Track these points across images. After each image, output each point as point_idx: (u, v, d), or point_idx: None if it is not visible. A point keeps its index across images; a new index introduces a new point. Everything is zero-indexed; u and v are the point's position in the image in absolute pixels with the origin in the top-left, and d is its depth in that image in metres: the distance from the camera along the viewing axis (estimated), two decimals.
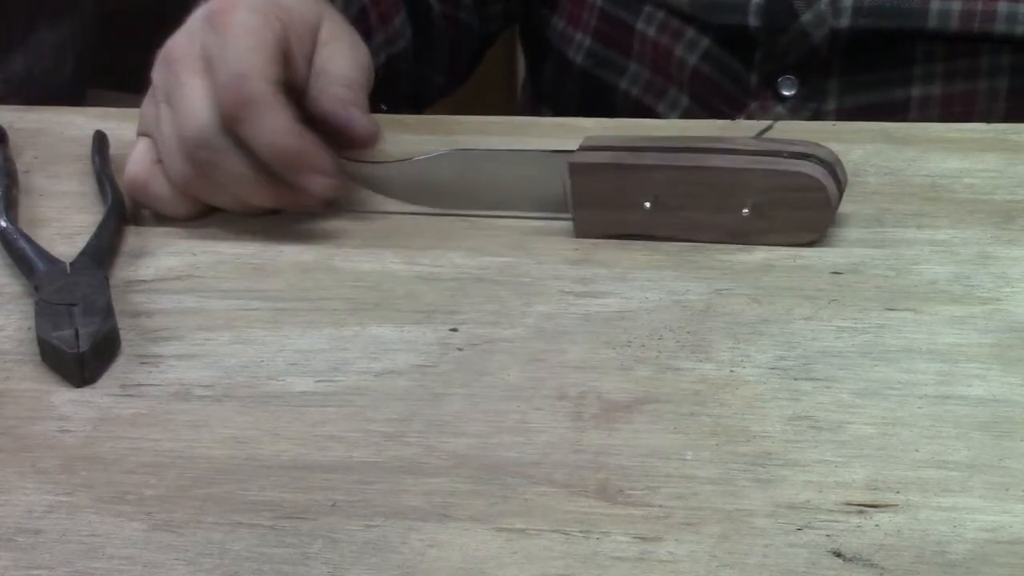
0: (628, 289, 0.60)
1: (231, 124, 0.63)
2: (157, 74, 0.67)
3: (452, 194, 0.67)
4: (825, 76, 0.80)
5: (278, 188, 0.65)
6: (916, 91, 0.79)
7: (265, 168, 0.64)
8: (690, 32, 0.82)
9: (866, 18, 0.77)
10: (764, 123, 0.72)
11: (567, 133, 0.72)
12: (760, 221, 0.62)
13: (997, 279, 0.59)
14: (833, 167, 0.62)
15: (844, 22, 0.77)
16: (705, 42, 0.82)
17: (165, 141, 0.66)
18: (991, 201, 0.65)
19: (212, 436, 0.53)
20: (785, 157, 0.62)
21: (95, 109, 0.82)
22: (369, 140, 0.67)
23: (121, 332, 0.59)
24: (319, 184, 0.64)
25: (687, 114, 0.84)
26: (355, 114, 0.66)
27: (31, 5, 1.03)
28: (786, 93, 0.81)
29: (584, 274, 0.62)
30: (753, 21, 0.79)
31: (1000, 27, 0.76)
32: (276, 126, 0.63)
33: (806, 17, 0.78)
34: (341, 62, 0.68)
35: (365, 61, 0.70)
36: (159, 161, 0.67)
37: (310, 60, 0.67)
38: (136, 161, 0.67)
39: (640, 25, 0.84)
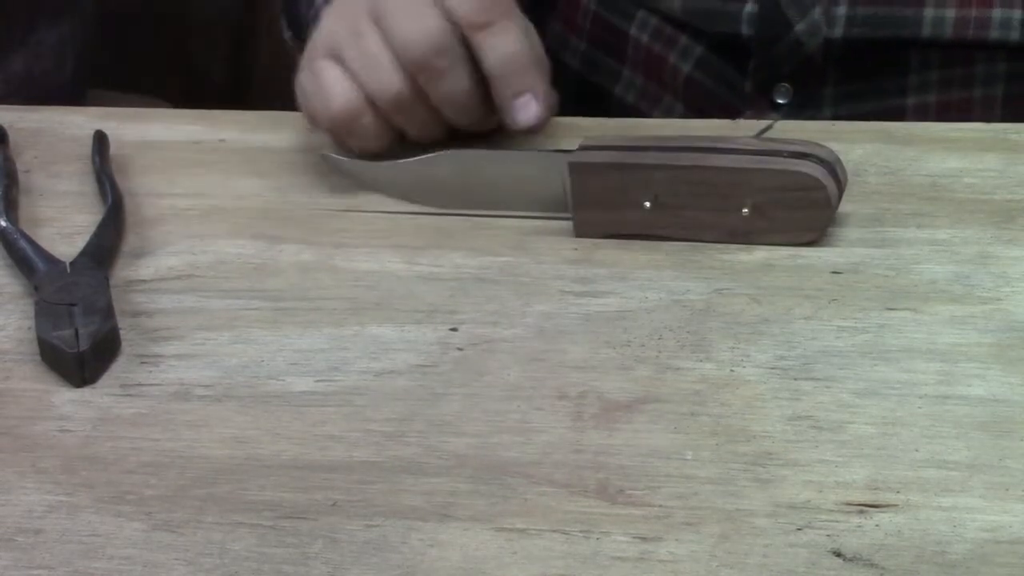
0: (628, 289, 0.60)
1: (477, 28, 0.64)
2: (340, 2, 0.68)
3: (451, 194, 0.67)
4: (820, 85, 0.79)
5: (489, 110, 0.66)
6: (912, 99, 0.79)
7: (483, 87, 0.65)
8: (684, 39, 0.82)
9: (860, 27, 0.77)
10: (764, 123, 0.72)
11: (567, 133, 0.72)
12: (760, 220, 0.62)
13: (997, 279, 0.59)
14: (833, 166, 0.62)
15: (838, 31, 0.77)
16: (699, 50, 0.82)
17: (374, 59, 0.65)
18: (991, 201, 0.65)
19: (212, 436, 0.53)
20: (785, 156, 0.62)
21: (95, 109, 0.82)
22: (532, 120, 0.67)
23: (121, 332, 0.59)
24: (531, 111, 0.66)
25: (685, 120, 0.84)
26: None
27: (31, 5, 1.03)
28: (781, 101, 0.80)
29: (584, 274, 0.62)
30: (746, 30, 0.79)
31: (995, 33, 0.76)
32: (513, 37, 0.65)
33: (800, 27, 0.77)
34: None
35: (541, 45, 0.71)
36: (370, 103, 0.66)
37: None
38: (341, 92, 0.66)
39: (634, 31, 0.84)
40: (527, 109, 0.66)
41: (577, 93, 0.89)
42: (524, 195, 0.66)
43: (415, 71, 0.65)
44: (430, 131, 0.68)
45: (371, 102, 0.66)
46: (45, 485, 0.51)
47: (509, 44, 0.65)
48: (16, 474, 0.52)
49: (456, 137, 0.69)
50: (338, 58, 0.67)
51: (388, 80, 0.65)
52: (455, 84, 0.66)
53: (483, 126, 0.69)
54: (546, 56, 0.70)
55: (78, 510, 0.50)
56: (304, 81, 0.69)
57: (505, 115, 0.67)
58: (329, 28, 0.68)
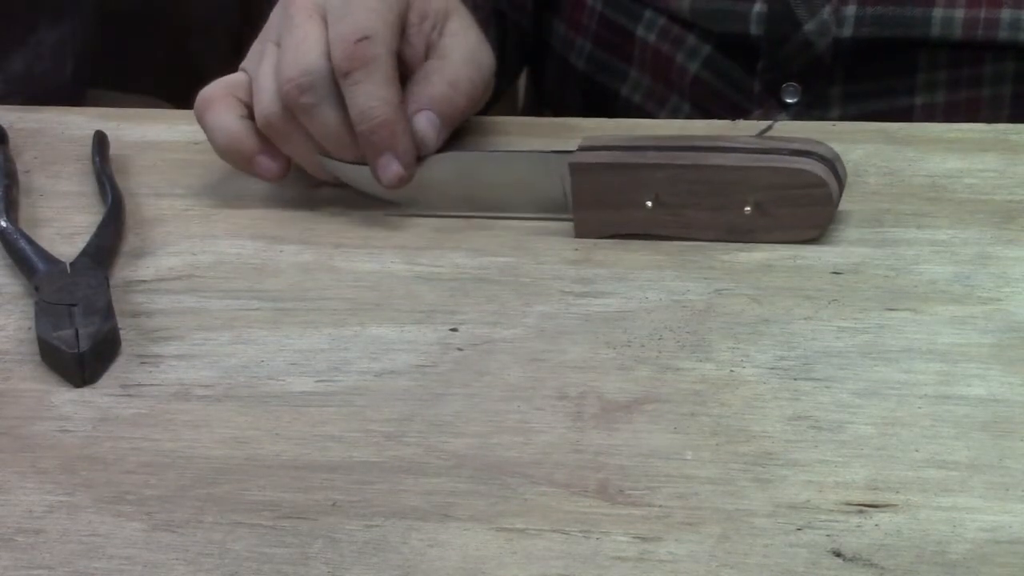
0: (628, 289, 0.60)
1: (340, 76, 0.63)
2: (274, 15, 0.68)
3: (449, 196, 0.67)
4: (828, 84, 0.79)
5: (355, 153, 0.65)
6: (920, 99, 0.79)
7: (352, 130, 0.64)
8: (691, 39, 0.82)
9: (869, 27, 0.77)
10: (763, 123, 0.72)
11: (567, 133, 0.72)
12: (762, 218, 0.62)
13: (997, 279, 0.59)
14: (833, 163, 0.62)
15: (847, 31, 0.77)
16: (706, 50, 0.82)
17: (262, 78, 0.66)
18: (991, 201, 0.65)
19: (212, 436, 0.53)
20: (786, 154, 0.62)
21: (95, 109, 0.82)
22: (393, 181, 0.66)
23: (121, 332, 0.59)
24: (391, 171, 0.65)
25: (688, 120, 0.84)
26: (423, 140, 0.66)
27: (31, 5, 1.03)
28: (789, 101, 0.80)
29: (584, 274, 0.62)
30: (755, 30, 0.79)
31: (1004, 34, 0.76)
32: (380, 93, 0.63)
33: (809, 26, 0.77)
34: (456, 57, 0.68)
35: (486, 62, 0.70)
36: (244, 99, 0.67)
37: (428, 45, 0.68)
38: (214, 84, 0.68)
39: (640, 31, 0.84)
40: (385, 170, 0.65)
41: (583, 93, 0.89)
42: (523, 197, 0.66)
43: (286, 104, 0.65)
44: (308, 160, 0.67)
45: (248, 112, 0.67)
46: (45, 485, 0.51)
47: (365, 99, 0.63)
48: (16, 474, 0.52)
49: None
50: (247, 65, 0.68)
51: (263, 105, 0.66)
52: (322, 121, 0.64)
53: (357, 160, 0.67)
54: (479, 80, 0.68)
55: (78, 510, 0.50)
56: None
57: (371, 170, 0.66)
58: (252, 47, 0.69)
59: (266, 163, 0.67)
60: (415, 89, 0.66)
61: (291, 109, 0.65)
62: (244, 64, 0.69)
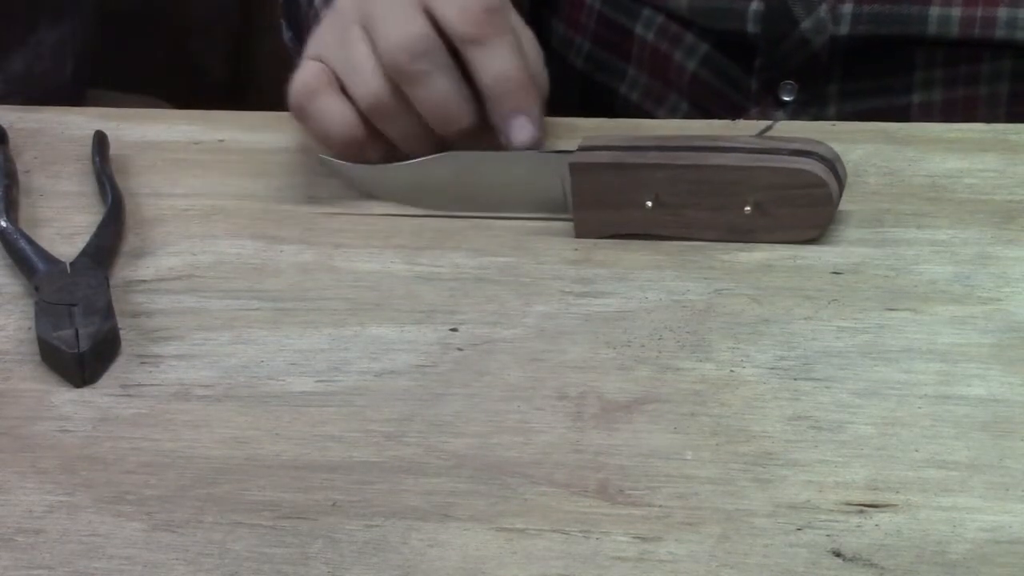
0: (628, 289, 0.60)
1: (469, 42, 0.64)
2: (350, 1, 0.67)
3: (449, 197, 0.67)
4: (825, 82, 0.79)
5: (478, 120, 0.66)
6: (917, 97, 0.79)
7: (466, 94, 0.65)
8: (689, 37, 0.82)
9: (866, 25, 0.77)
10: (763, 123, 0.72)
11: (567, 133, 0.72)
12: (762, 218, 0.62)
13: (997, 279, 0.59)
14: (833, 163, 0.62)
15: (844, 29, 0.77)
16: (704, 47, 0.82)
17: (359, 57, 0.65)
18: (991, 201, 0.65)
19: (212, 436, 0.53)
20: (786, 154, 0.62)
21: (95, 109, 0.82)
22: (528, 142, 0.67)
23: (121, 332, 0.59)
24: (527, 132, 0.66)
25: (687, 119, 0.84)
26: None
27: (31, 5, 1.03)
28: (786, 99, 0.80)
29: (584, 274, 0.62)
30: (752, 28, 0.79)
31: (1000, 32, 0.76)
32: (517, 58, 0.64)
33: (806, 24, 0.77)
34: (528, 49, 0.68)
35: (542, 58, 0.70)
36: (335, 83, 0.66)
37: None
38: (308, 74, 0.66)
39: (639, 30, 0.84)
40: (522, 130, 0.66)
41: (582, 92, 0.89)
42: (522, 197, 0.66)
43: (395, 76, 0.65)
44: (415, 139, 0.68)
45: (353, 102, 0.66)
46: (45, 485, 0.51)
47: (504, 62, 0.65)
48: (16, 474, 0.52)
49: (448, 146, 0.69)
50: (324, 61, 0.67)
51: (369, 85, 0.65)
52: (435, 90, 0.65)
53: (472, 135, 0.68)
54: (545, 71, 0.69)
55: (78, 510, 0.50)
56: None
57: (500, 134, 0.67)
58: (321, 33, 0.68)
59: (375, 147, 0.67)
60: None
61: (401, 80, 0.65)
62: (317, 52, 0.68)
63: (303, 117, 0.67)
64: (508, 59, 0.65)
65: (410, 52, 0.64)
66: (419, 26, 0.64)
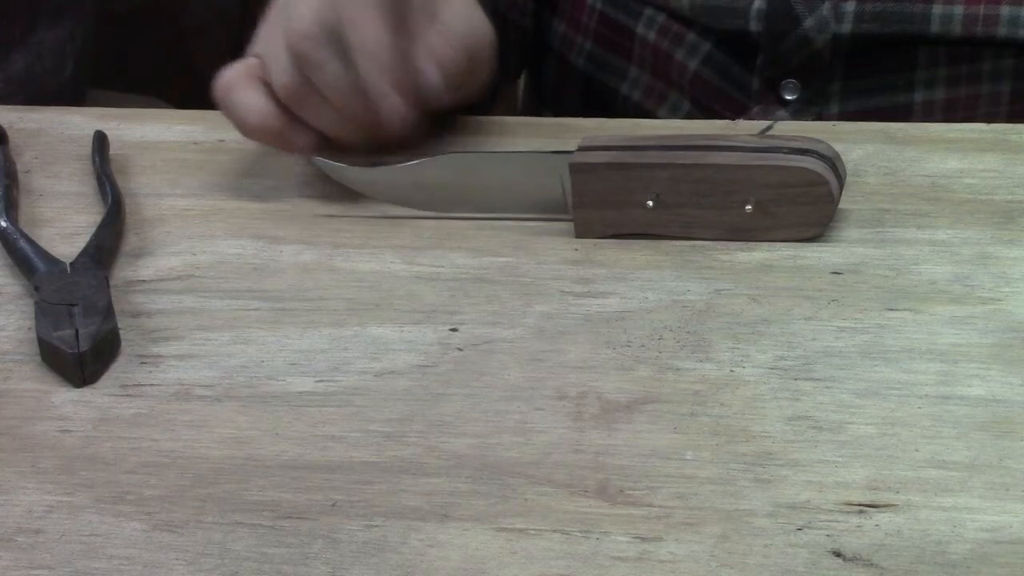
0: (628, 289, 0.60)
1: (340, 24, 0.64)
2: (276, 5, 0.68)
3: (448, 197, 0.67)
4: (828, 80, 0.80)
5: (367, 108, 0.66)
6: (919, 95, 0.79)
7: (361, 83, 0.65)
8: (691, 36, 0.82)
9: (868, 23, 0.77)
10: (763, 123, 0.73)
11: (567, 133, 0.72)
12: (763, 217, 0.62)
13: (997, 279, 0.59)
14: (833, 162, 0.62)
15: (846, 27, 0.77)
16: (706, 47, 0.82)
17: (273, 48, 0.66)
18: (991, 201, 0.65)
19: (212, 436, 0.53)
20: (786, 153, 0.62)
21: (95, 109, 0.82)
22: (392, 123, 0.67)
23: (121, 332, 0.59)
24: (394, 110, 0.66)
25: (688, 118, 0.84)
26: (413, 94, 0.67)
27: (31, 5, 1.03)
28: (788, 97, 0.80)
29: (584, 274, 0.62)
30: (754, 26, 0.79)
31: (1003, 31, 0.76)
32: (377, 37, 0.65)
33: (808, 23, 0.77)
34: (456, 21, 0.69)
35: (482, 30, 0.71)
36: (255, 75, 0.67)
37: (427, 14, 0.68)
38: (230, 69, 0.68)
39: (640, 29, 0.84)
40: (389, 111, 0.66)
41: (583, 92, 0.89)
42: (522, 197, 0.66)
43: (297, 61, 0.65)
44: (332, 125, 0.67)
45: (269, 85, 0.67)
46: (45, 485, 0.51)
47: (369, 43, 0.65)
48: (16, 474, 0.52)
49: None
50: (256, 52, 0.68)
51: (280, 73, 0.66)
52: (334, 75, 0.65)
53: (375, 123, 0.68)
54: (482, 41, 0.70)
55: (78, 510, 0.50)
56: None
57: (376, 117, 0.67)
58: (259, 31, 0.69)
59: (297, 135, 0.68)
60: (413, 47, 0.67)
61: (303, 68, 0.65)
62: (254, 49, 0.69)
63: (224, 109, 0.68)
64: (371, 40, 0.65)
65: (305, 37, 0.64)
66: (311, 10, 0.64)
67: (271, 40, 0.67)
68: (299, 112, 0.67)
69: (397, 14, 0.67)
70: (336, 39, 0.65)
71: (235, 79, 0.68)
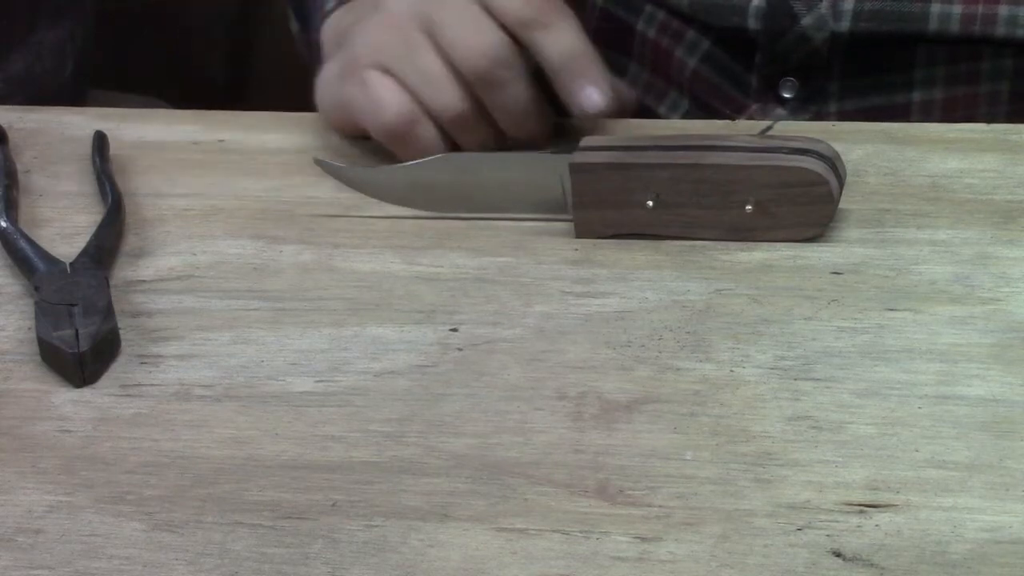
0: (628, 289, 0.60)
1: (535, 28, 0.64)
2: (405, 4, 0.67)
3: (446, 198, 0.67)
4: (826, 79, 0.80)
5: (545, 116, 0.67)
6: (917, 94, 0.79)
7: (542, 96, 0.66)
8: (690, 34, 0.82)
9: (867, 22, 0.77)
10: (763, 123, 0.73)
11: (567, 133, 0.72)
12: (763, 217, 0.62)
13: (997, 279, 0.59)
14: (833, 161, 0.62)
15: (844, 25, 0.77)
16: (705, 44, 0.82)
17: (431, 70, 0.65)
18: (991, 201, 0.65)
19: (212, 436, 0.53)
20: (786, 153, 0.62)
21: (95, 109, 0.82)
22: (599, 107, 0.67)
23: (121, 332, 0.59)
24: (595, 99, 0.66)
25: (688, 116, 0.84)
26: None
27: (31, 5, 1.03)
28: (787, 95, 0.81)
29: (584, 274, 0.62)
30: (753, 24, 0.79)
31: (1001, 30, 0.76)
32: (572, 32, 0.66)
33: (806, 20, 0.77)
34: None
35: None
36: (421, 107, 0.66)
37: None
38: (396, 102, 0.66)
39: (640, 26, 0.84)
40: (592, 100, 0.67)
41: None
42: (520, 198, 0.66)
43: (476, 84, 0.65)
44: (486, 145, 0.68)
45: (428, 114, 0.66)
46: (45, 485, 0.51)
47: (569, 39, 0.66)
48: (16, 474, 0.52)
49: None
50: (389, 71, 0.66)
51: (450, 97, 0.65)
52: (516, 95, 0.66)
53: (536, 135, 0.69)
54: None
55: (78, 510, 0.50)
56: (349, 91, 0.68)
57: (572, 105, 0.67)
58: (377, 38, 0.67)
59: (427, 131, 0.67)
60: None
61: (483, 88, 0.65)
62: (378, 60, 0.67)
63: (400, 143, 0.67)
64: (573, 35, 0.66)
65: (491, 59, 0.64)
66: (493, 32, 0.65)
67: (416, 57, 0.65)
68: (459, 135, 0.67)
69: None
70: (513, 57, 0.65)
71: (413, 116, 0.66)
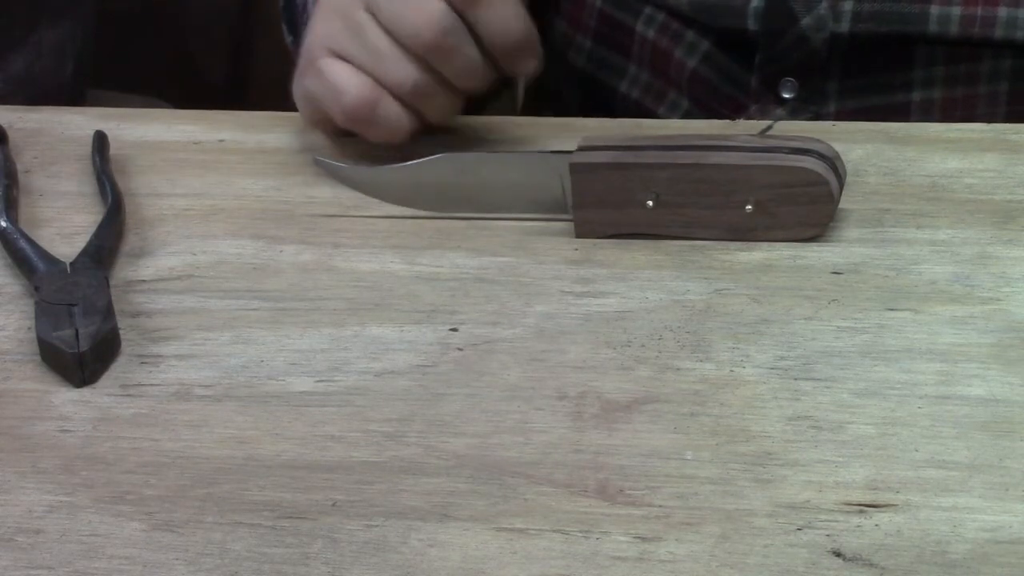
0: (628, 289, 0.60)
1: (471, 5, 0.64)
2: None
3: (446, 198, 0.67)
4: (825, 79, 0.80)
5: (491, 73, 0.67)
6: (917, 95, 0.79)
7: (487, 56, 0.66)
8: (690, 35, 0.82)
9: (866, 23, 0.77)
10: (763, 123, 0.73)
11: (567, 133, 0.72)
12: (763, 217, 0.62)
13: (997, 279, 0.59)
14: (833, 161, 0.62)
15: (844, 26, 0.77)
16: (705, 45, 0.82)
17: (379, 46, 0.65)
18: (991, 201, 0.65)
19: (212, 436, 0.53)
20: (786, 153, 0.62)
21: (95, 109, 0.82)
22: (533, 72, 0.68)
23: (121, 332, 0.59)
24: (533, 66, 0.67)
25: (687, 116, 0.84)
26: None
27: (31, 5, 1.03)
28: (786, 96, 0.81)
29: (584, 274, 0.62)
30: (752, 25, 0.79)
31: (1000, 32, 0.76)
32: (509, 9, 0.65)
33: (806, 21, 0.77)
34: None
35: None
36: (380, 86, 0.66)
37: None
38: (353, 84, 0.66)
39: (640, 27, 0.85)
40: (530, 67, 0.68)
41: (583, 91, 0.89)
42: (522, 197, 0.66)
43: (427, 55, 0.65)
44: (449, 111, 0.68)
45: (388, 91, 0.66)
46: (45, 485, 0.51)
47: (503, 18, 0.65)
48: (16, 474, 0.52)
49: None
50: (341, 55, 0.66)
51: (405, 70, 0.65)
52: (468, 58, 0.65)
53: (528, 68, 0.69)
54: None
55: (78, 510, 0.50)
56: (308, 84, 0.68)
57: (507, 71, 0.67)
58: (323, 27, 0.68)
59: (392, 111, 0.67)
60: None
61: (434, 58, 0.65)
62: (327, 44, 0.67)
63: (367, 124, 0.67)
64: (504, 14, 0.65)
65: (437, 30, 0.64)
66: (433, 2, 0.64)
67: (363, 35, 0.65)
68: (421, 105, 0.67)
69: None
70: (457, 23, 0.64)
71: (375, 95, 0.66)
